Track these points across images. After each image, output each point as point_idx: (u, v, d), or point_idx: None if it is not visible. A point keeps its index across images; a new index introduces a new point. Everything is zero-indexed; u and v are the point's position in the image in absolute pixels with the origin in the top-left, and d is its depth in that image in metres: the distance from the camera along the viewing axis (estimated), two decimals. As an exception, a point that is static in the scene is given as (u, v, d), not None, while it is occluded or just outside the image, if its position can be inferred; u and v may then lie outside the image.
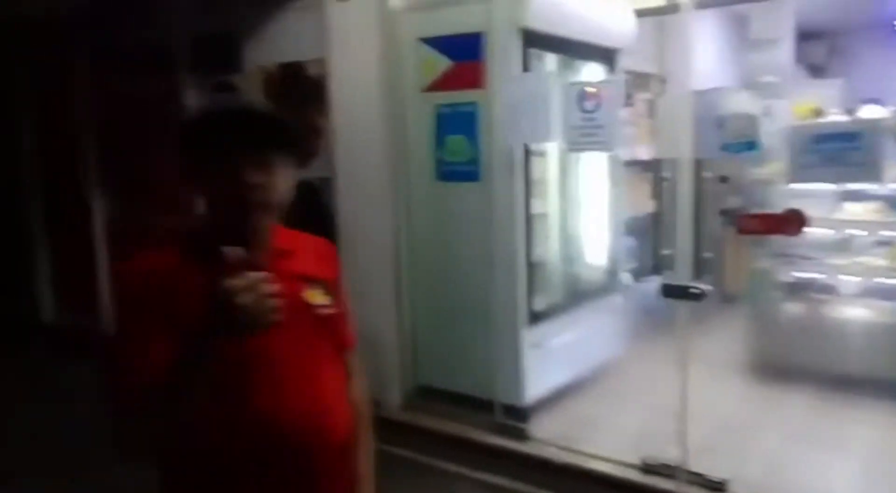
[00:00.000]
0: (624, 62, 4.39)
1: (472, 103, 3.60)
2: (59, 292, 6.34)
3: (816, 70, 8.75)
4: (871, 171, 2.56)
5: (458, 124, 3.67)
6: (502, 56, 3.46)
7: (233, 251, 1.07)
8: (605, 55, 4.20)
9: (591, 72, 4.17)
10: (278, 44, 4.25)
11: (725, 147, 2.77)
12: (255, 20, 4.31)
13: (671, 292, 2.95)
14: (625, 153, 4.64)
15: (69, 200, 5.86)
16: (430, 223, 3.84)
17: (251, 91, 4.39)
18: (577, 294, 4.23)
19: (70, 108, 5.60)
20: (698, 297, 2.87)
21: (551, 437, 3.43)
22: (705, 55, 7.06)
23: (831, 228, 4.02)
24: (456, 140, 3.69)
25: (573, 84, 3.39)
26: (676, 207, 3.04)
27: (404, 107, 3.84)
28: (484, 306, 3.62)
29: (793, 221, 2.62)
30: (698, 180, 2.92)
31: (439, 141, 3.74)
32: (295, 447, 1.24)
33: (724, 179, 2.84)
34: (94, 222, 5.62)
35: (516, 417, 3.53)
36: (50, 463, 3.79)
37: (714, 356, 4.27)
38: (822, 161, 2.56)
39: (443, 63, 3.69)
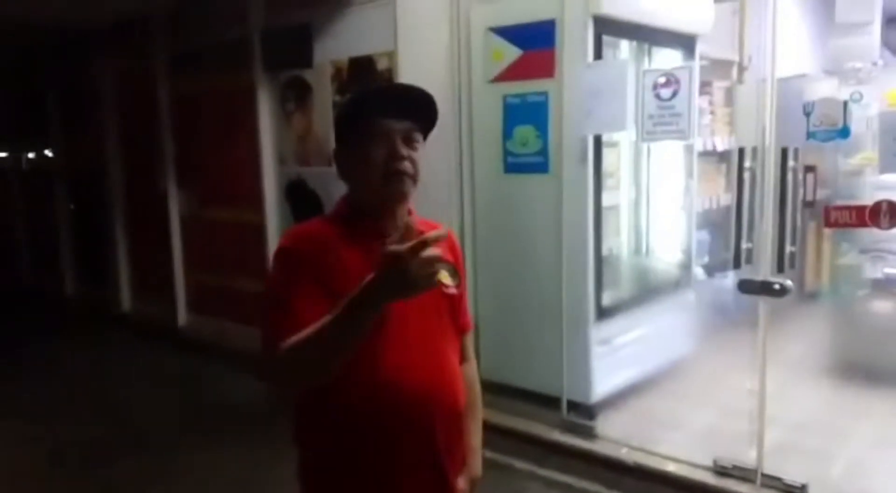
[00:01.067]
0: (701, 49, 4.24)
1: (542, 93, 3.54)
2: (137, 283, 6.64)
3: (907, 54, 8.23)
4: None
5: (527, 115, 3.61)
6: (574, 44, 3.38)
7: (411, 222, 1.19)
8: (682, 42, 4.05)
9: (667, 58, 4.03)
10: (348, 38, 4.29)
11: (812, 135, 2.62)
12: (325, 15, 4.37)
13: (751, 288, 2.82)
14: (700, 143, 4.48)
15: (147, 197, 6.12)
16: (497, 216, 3.80)
17: (322, 85, 4.46)
18: (648, 289, 4.12)
19: (149, 107, 5.83)
20: (780, 293, 2.74)
21: (619, 436, 3.35)
22: (788, 41, 6.77)
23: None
24: (525, 131, 3.63)
25: (648, 71, 3.29)
26: (758, 199, 2.93)
27: (472, 98, 3.81)
28: (552, 300, 3.56)
29: (885, 214, 2.46)
30: (783, 171, 2.76)
31: (507, 132, 3.69)
32: (420, 410, 1.34)
33: (810, 169, 2.69)
34: (170, 218, 5.84)
35: (583, 414, 3.47)
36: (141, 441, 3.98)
37: (793, 356, 4.08)
38: (920, 150, 2.39)
39: (512, 52, 3.63)
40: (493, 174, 3.79)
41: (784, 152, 2.74)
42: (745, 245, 2.90)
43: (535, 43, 3.55)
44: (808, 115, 2.66)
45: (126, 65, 6.13)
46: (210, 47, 5.21)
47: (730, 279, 3.72)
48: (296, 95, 4.65)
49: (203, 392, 4.80)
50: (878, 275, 4.06)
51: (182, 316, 5.95)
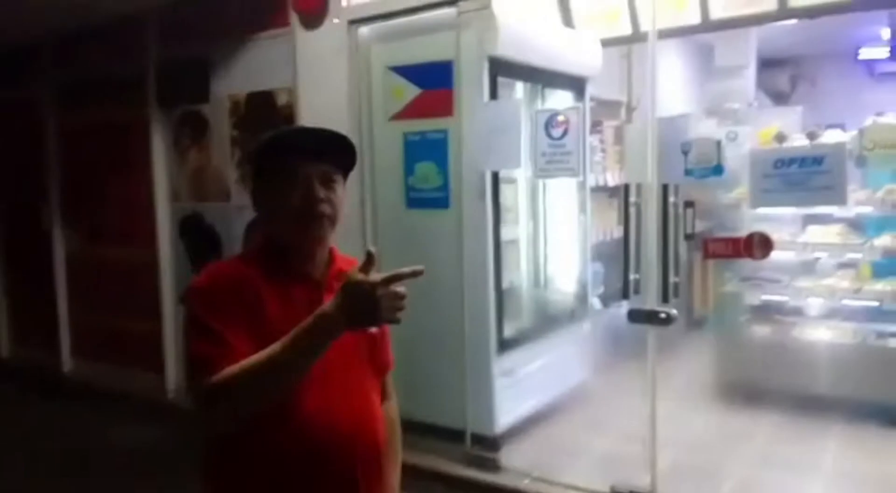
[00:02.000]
0: (592, 90, 4.46)
1: (442, 130, 3.62)
2: (18, 327, 6.18)
3: (780, 97, 8.98)
4: (834, 194, 2.60)
5: (428, 151, 3.68)
6: (471, 84, 3.49)
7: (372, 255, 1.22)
8: (573, 83, 4.26)
9: (560, 99, 4.22)
10: (247, 73, 4.24)
11: (689, 172, 2.81)
12: (224, 49, 4.31)
13: (639, 317, 2.96)
14: (593, 179, 4.69)
15: (31, 234, 5.75)
16: (399, 251, 3.81)
17: (219, 120, 4.37)
18: (547, 320, 4.23)
19: (36, 141, 5.53)
20: (666, 321, 2.89)
21: (523, 466, 3.40)
22: (672, 83, 7.24)
23: (796, 250, 4.09)
24: (426, 167, 3.69)
25: (541, 111, 3.43)
26: (643, 232, 3.09)
27: (373, 135, 3.84)
28: (454, 334, 3.59)
29: (757, 245, 2.66)
30: (664, 206, 2.93)
31: (409, 168, 3.74)
32: (342, 451, 1.33)
33: (689, 204, 2.87)
34: (54, 256, 5.51)
35: (487, 447, 3.49)
36: None
37: (683, 381, 4.29)
38: (785, 185, 2.60)
39: (412, 91, 3.70)
40: (395, 209, 3.81)
41: (665, 188, 2.91)
42: (632, 276, 3.04)
43: (433, 82, 3.63)
44: (685, 153, 2.85)
45: (8, 95, 5.79)
46: (101, 79, 5.01)
47: (624, 309, 3.89)
48: (192, 130, 4.53)
49: (89, 439, 4.49)
50: (757, 301, 4.36)
51: (67, 361, 5.57)
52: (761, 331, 4.26)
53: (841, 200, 2.60)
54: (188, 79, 4.48)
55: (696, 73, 7.68)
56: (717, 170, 2.76)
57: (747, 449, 3.62)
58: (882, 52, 7.86)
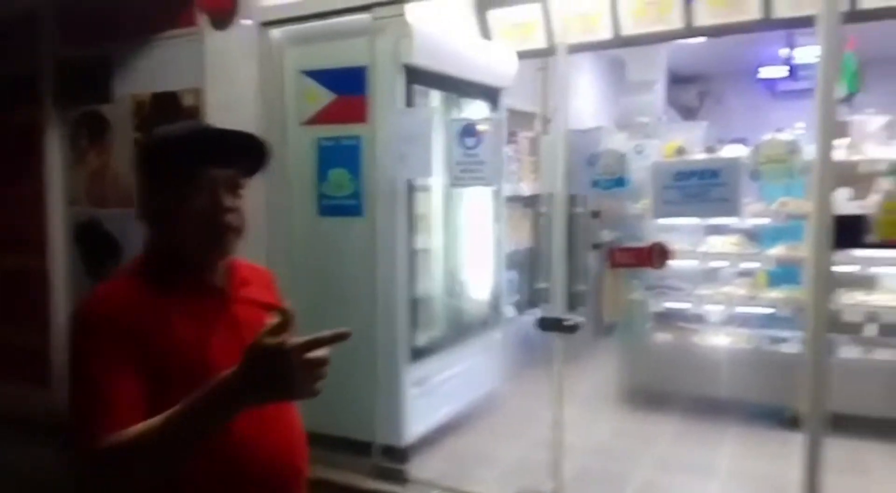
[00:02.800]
0: (507, 101, 4.53)
1: (355, 137, 3.57)
2: None
3: (688, 112, 9.41)
4: (729, 206, 2.72)
5: (341, 158, 3.62)
6: (385, 91, 3.46)
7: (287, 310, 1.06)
8: (488, 93, 4.30)
9: (475, 109, 4.26)
10: (152, 73, 4.06)
11: (595, 183, 2.88)
12: (127, 48, 4.11)
13: (546, 325, 3.00)
14: (508, 189, 4.75)
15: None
16: (311, 259, 3.74)
17: (121, 121, 4.17)
18: (460, 329, 4.24)
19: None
20: (572, 329, 2.94)
21: (432, 476, 3.38)
22: (586, 97, 7.47)
23: (697, 260, 4.27)
24: (339, 174, 3.63)
25: (455, 120, 3.44)
26: (552, 242, 3.14)
27: (285, 140, 3.76)
28: (365, 343, 3.54)
29: (657, 254, 2.75)
30: (571, 215, 3.00)
31: (322, 175, 3.68)
32: (273, 480, 1.24)
33: (595, 214, 2.94)
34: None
35: (396, 458, 3.45)
36: None
37: (590, 387, 4.39)
38: (684, 197, 2.70)
39: (325, 96, 3.64)
40: (307, 216, 3.73)
41: (572, 198, 2.98)
42: (542, 285, 3.09)
43: (347, 88, 3.58)
44: (592, 165, 2.91)
45: None
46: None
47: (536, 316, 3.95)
48: (90, 131, 4.30)
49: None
50: (661, 309, 4.52)
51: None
52: (664, 337, 4.42)
53: (735, 211, 2.72)
54: (88, 77, 4.25)
55: (610, 88, 7.96)
56: (621, 182, 2.84)
57: (649, 453, 3.73)
58: (781, 71, 8.35)
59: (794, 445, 2.67)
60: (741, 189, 2.61)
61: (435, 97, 4.02)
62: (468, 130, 3.21)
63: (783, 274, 4.20)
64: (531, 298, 3.16)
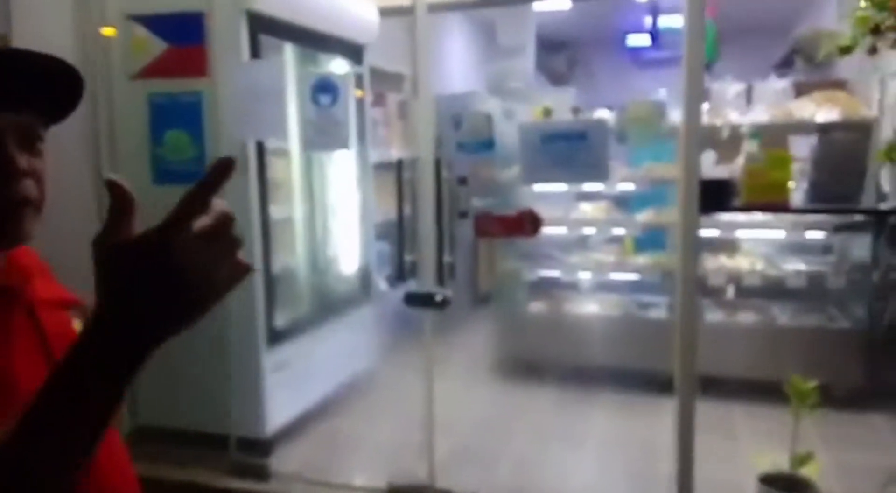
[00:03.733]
0: (375, 60, 4.21)
1: (195, 93, 3.13)
2: None
3: (558, 79, 9.46)
4: (597, 170, 2.59)
5: (179, 117, 3.17)
6: (226, 40, 3.04)
7: None
8: (349, 49, 3.95)
9: (336, 67, 3.90)
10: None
11: (460, 146, 2.66)
12: None
13: (413, 301, 2.78)
14: (376, 154, 4.46)
15: None
16: (147, 233, 3.28)
17: None
18: (327, 306, 3.93)
19: None
20: (441, 305, 2.73)
21: (297, 469, 3.09)
22: (457, 61, 7.27)
23: (568, 227, 4.19)
24: (176, 136, 3.19)
25: (307, 75, 3.09)
26: (418, 210, 2.91)
27: (112, 96, 3.24)
28: (218, 326, 3.16)
29: (527, 223, 2.58)
30: (438, 182, 2.76)
31: (156, 137, 3.21)
32: None
33: (462, 181, 2.73)
34: None
35: (257, 451, 3.13)
36: None
37: (466, 360, 4.26)
38: (552, 161, 2.53)
39: (157, 46, 3.16)
40: (141, 185, 3.24)
41: (437, 163, 2.74)
42: (408, 257, 2.85)
43: (182, 37, 3.13)
44: (457, 127, 2.68)
45: None
46: None
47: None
48: None
49: None
50: (535, 278, 4.43)
51: None
52: (538, 306, 4.34)
53: (603, 175, 2.60)
54: None
55: (482, 53, 7.82)
56: (488, 145, 2.63)
57: (524, 425, 3.64)
58: (645, 40, 8.53)
59: (667, 409, 2.64)
60: (608, 152, 2.47)
61: (289, 52, 3.62)
62: (323, 86, 2.88)
63: (649, 240, 4.22)
64: (403, 270, 2.91)
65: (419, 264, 2.89)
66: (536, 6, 6.85)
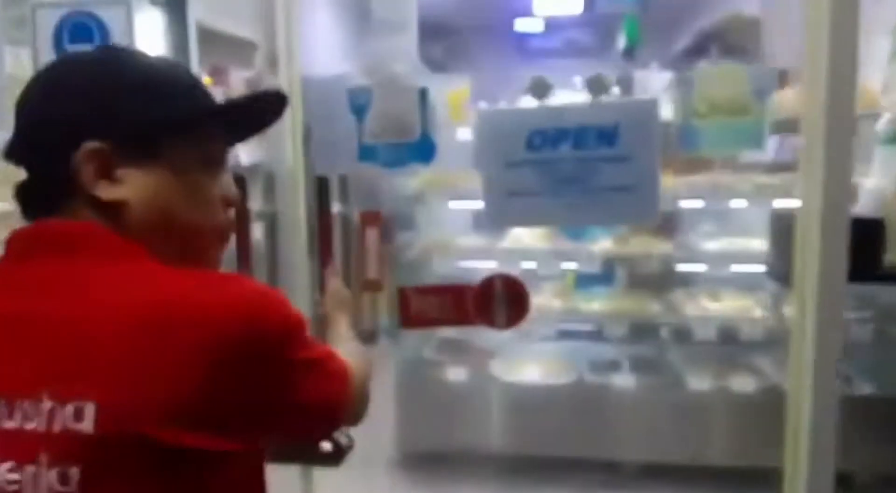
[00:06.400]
0: (209, 18, 2.85)
1: None
2: None
3: (436, 66, 8.42)
4: (637, 205, 1.44)
5: None
6: None
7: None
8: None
9: (141, 20, 2.47)
10: None
11: (368, 152, 1.38)
12: None
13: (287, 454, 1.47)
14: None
15: None
16: None
17: None
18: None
19: None
20: (336, 458, 1.44)
21: None
22: (324, 37, 6.00)
23: (498, 260, 3.01)
24: None
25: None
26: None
27: None
28: None
29: (493, 303, 1.36)
30: (323, 217, 1.47)
31: None
32: None
33: (369, 219, 1.50)
34: None
35: None
36: None
37: (357, 450, 2.96)
38: (544, 186, 1.34)
39: None
40: None
41: (322, 184, 1.46)
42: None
43: None
44: (358, 114, 1.41)
45: None
46: None
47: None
48: None
49: None
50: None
51: None
52: (456, 373, 3.11)
53: (649, 213, 1.42)
54: None
55: (352, 31, 6.64)
56: (421, 149, 1.38)
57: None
58: (536, 25, 7.67)
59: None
60: (657, 168, 1.30)
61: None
62: (78, 28, 1.49)
63: (600, 275, 3.13)
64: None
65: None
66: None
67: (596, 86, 1.21)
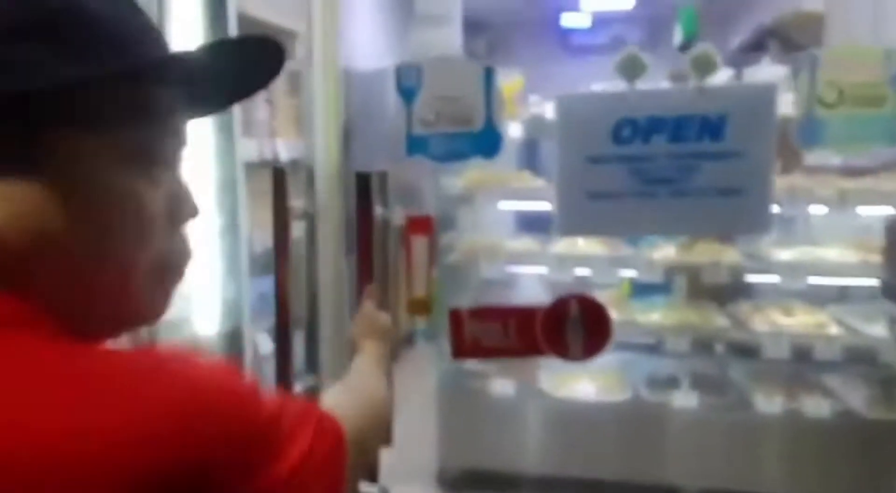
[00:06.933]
0: (250, 7, 2.70)
1: None
2: None
3: (479, 62, 8.21)
4: (749, 213, 1.23)
5: None
6: None
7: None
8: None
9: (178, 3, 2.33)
10: None
11: (419, 143, 1.18)
12: None
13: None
14: (253, 150, 2.93)
15: None
16: None
17: None
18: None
19: None
20: None
21: None
22: (367, 30, 5.85)
23: (549, 267, 2.78)
24: None
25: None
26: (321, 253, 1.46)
27: None
28: None
29: (568, 328, 1.16)
30: (365, 218, 1.29)
31: None
32: None
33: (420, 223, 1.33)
34: None
35: None
36: None
37: (394, 465, 2.78)
38: (632, 188, 1.13)
39: None
40: None
41: (364, 180, 1.27)
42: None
43: None
44: (407, 99, 1.21)
45: None
46: None
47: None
48: None
49: None
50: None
51: None
52: (502, 386, 2.90)
53: (763, 224, 1.20)
54: None
55: (395, 23, 6.47)
56: (484, 140, 1.18)
57: None
58: (584, 20, 7.41)
59: None
60: (772, 168, 1.08)
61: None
62: None
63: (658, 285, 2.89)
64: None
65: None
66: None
67: (702, 64, 1.00)
